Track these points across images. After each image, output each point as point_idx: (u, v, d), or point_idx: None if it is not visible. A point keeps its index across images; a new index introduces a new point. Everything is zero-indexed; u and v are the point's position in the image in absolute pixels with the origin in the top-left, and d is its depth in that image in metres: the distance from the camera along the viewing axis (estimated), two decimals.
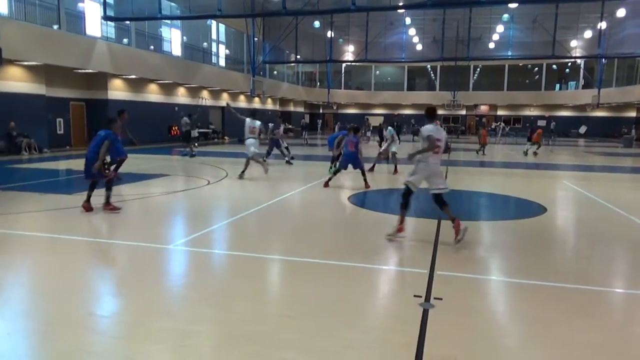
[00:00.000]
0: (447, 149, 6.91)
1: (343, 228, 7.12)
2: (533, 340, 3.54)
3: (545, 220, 7.91)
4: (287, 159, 15.92)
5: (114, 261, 5.49)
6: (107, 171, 7.78)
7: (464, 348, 3.36)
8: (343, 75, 49.93)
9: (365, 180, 10.89)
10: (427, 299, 4.21)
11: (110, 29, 22.76)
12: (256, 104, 37.62)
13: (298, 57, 38.54)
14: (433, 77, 48.94)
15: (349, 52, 46.41)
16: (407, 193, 6.31)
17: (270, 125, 16.52)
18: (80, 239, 6.15)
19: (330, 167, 12.99)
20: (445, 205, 6.22)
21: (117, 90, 23.53)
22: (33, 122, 19.02)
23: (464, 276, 4.91)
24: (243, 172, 11.92)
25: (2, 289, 4.42)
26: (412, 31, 40.15)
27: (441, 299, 4.21)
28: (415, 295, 4.26)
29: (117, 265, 5.36)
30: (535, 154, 21.58)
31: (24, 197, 9.26)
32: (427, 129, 6.17)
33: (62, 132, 21.44)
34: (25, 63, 18.22)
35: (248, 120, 12.08)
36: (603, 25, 31.44)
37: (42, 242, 6.02)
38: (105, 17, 20.30)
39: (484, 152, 22.17)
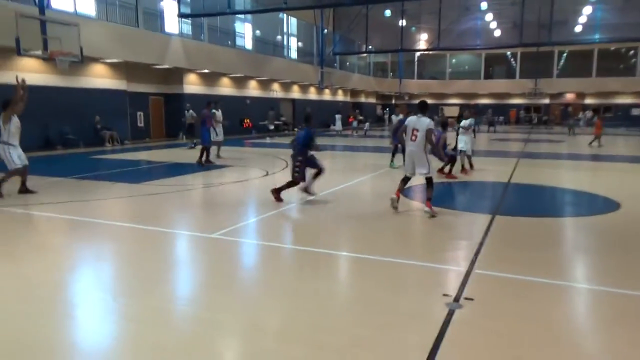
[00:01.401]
0: (431, 144, 7.21)
1: (390, 221, 6.94)
2: (565, 354, 3.23)
3: (614, 218, 7.19)
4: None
5: (160, 248, 5.73)
6: (296, 174, 7.86)
7: (481, 354, 3.14)
8: (416, 64, 48.69)
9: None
10: (457, 298, 3.98)
11: (187, 26, 23.88)
12: (326, 95, 37.80)
13: (370, 47, 38.10)
14: (514, 64, 46.25)
15: (422, 41, 45.13)
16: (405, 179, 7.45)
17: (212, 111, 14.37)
18: (138, 227, 6.54)
19: (391, 161, 12.69)
20: (429, 187, 7.16)
21: (192, 85, 24.66)
22: (116, 116, 20.49)
23: (505, 276, 4.59)
24: None
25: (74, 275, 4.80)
26: (489, 17, 38.16)
27: (472, 299, 3.96)
28: (444, 294, 4.06)
29: (163, 252, 5.59)
30: (592, 144, 19.74)
31: (103, 185, 9.98)
32: (406, 119, 7.49)
33: (142, 125, 22.88)
34: (108, 60, 19.62)
35: None
36: None
37: (98, 228, 6.46)
38: (180, 15, 21.32)
39: (599, 143, 19.96)
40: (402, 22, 34.40)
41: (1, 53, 15.51)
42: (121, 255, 5.41)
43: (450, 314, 3.68)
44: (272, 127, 25.36)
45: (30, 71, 16.94)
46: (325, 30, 32.16)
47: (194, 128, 19.19)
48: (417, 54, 46.80)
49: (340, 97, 41.45)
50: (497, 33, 40.41)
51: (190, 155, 14.98)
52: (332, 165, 14.30)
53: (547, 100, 45.19)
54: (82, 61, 14.47)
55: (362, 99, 46.54)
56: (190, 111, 19.88)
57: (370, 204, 8.44)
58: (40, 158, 14.60)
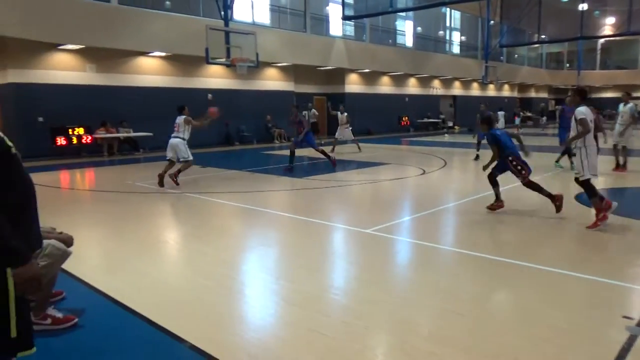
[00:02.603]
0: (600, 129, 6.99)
1: (561, 229, 6.29)
2: None
3: None
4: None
5: (317, 239, 6.07)
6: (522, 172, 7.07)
7: None
8: (599, 53, 42.89)
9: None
10: None
11: (350, 27, 24.72)
12: (490, 91, 35.62)
13: (543, 36, 34.77)
14: None
15: (607, 26, 39.51)
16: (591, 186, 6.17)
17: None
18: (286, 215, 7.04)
19: (557, 160, 11.48)
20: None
21: (353, 84, 25.47)
22: (284, 115, 22.18)
23: None
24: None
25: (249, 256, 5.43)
26: None
27: None
28: (624, 317, 3.53)
29: (320, 243, 5.91)
30: None
31: (270, 178, 10.97)
32: (580, 111, 6.07)
33: None
34: (279, 64, 21.35)
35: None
36: None
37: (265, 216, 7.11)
38: (344, 17, 22.12)
39: None
40: (583, 6, 30.62)
41: (193, 62, 17.99)
42: (283, 242, 5.90)
43: (631, 340, 3.20)
44: (451, 123, 24.94)
45: (214, 77, 19.30)
46: (492, 22, 30.27)
47: (316, 126, 20.15)
48: (601, 41, 41.19)
49: (506, 92, 38.69)
50: None
51: (349, 151, 15.50)
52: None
53: None
54: (257, 66, 15.98)
55: (532, 94, 42.76)
56: (313, 110, 20.74)
57: (537, 208, 7.72)
58: (221, 153, 16.61)
